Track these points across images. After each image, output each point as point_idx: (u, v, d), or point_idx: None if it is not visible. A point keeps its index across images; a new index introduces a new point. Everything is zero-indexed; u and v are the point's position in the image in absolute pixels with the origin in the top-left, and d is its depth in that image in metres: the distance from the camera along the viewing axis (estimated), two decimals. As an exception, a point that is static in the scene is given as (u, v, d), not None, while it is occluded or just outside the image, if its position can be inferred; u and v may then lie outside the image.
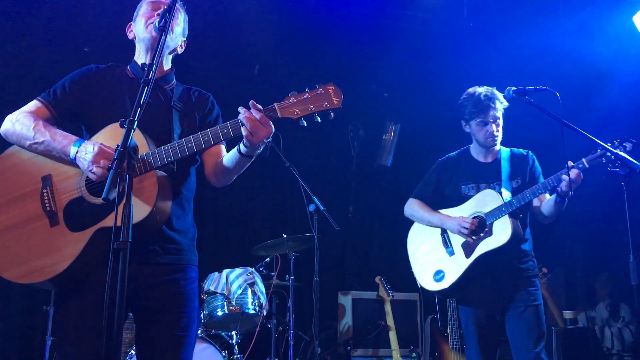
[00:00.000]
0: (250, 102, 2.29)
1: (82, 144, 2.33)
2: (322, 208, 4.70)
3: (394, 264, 6.94)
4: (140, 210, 2.22)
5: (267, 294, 5.03)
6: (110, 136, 2.36)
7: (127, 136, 1.94)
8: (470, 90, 3.86)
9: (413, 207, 4.02)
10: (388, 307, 5.61)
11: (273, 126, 2.29)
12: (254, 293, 4.84)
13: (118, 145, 1.94)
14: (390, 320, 5.54)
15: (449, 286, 3.75)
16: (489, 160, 3.88)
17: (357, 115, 7.24)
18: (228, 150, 2.55)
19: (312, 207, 4.80)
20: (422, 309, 6.13)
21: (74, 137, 2.39)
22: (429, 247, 3.94)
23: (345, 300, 6.08)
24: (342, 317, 6.06)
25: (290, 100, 2.30)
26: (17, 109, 2.56)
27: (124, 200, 1.86)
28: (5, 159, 2.51)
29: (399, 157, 7.56)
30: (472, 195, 3.81)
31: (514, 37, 6.06)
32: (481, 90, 3.80)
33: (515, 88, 3.48)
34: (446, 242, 3.85)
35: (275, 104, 2.30)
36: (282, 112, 2.29)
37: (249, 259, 5.46)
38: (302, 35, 6.15)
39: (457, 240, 3.80)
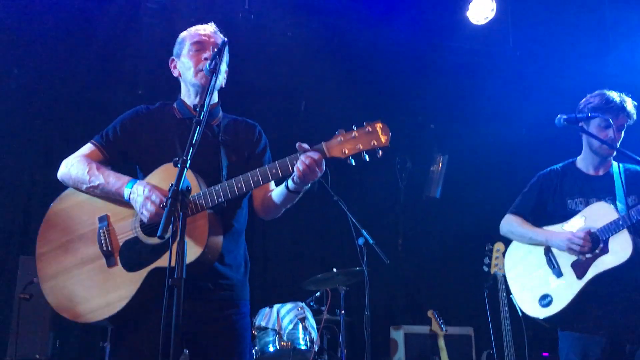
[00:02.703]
0: (298, 145, 2.31)
1: (135, 184, 2.40)
2: (371, 241, 4.67)
3: (446, 297, 6.82)
4: (192, 251, 2.25)
5: (318, 329, 4.99)
6: (163, 177, 2.42)
7: (180, 175, 1.99)
8: (599, 91, 3.50)
9: (512, 224, 3.60)
10: (442, 342, 5.48)
11: (324, 166, 2.30)
12: (304, 328, 4.82)
13: (172, 184, 2.00)
14: (444, 356, 5.40)
15: (559, 311, 3.28)
16: (600, 173, 3.49)
17: (404, 147, 7.23)
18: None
19: (361, 241, 4.77)
20: (477, 344, 5.96)
21: (127, 178, 2.46)
22: (530, 268, 3.51)
23: (398, 335, 5.98)
24: (395, 353, 5.95)
25: (338, 139, 2.29)
26: (72, 151, 2.65)
27: (177, 240, 1.90)
28: (64, 200, 2.60)
29: (448, 188, 7.48)
30: (580, 210, 3.42)
31: (561, 65, 5.98)
32: (614, 94, 3.45)
33: (566, 116, 3.29)
34: (552, 262, 3.41)
35: (323, 144, 2.31)
36: (330, 152, 2.29)
37: (299, 293, 5.45)
38: (348, 70, 6.23)
39: (565, 260, 3.37)
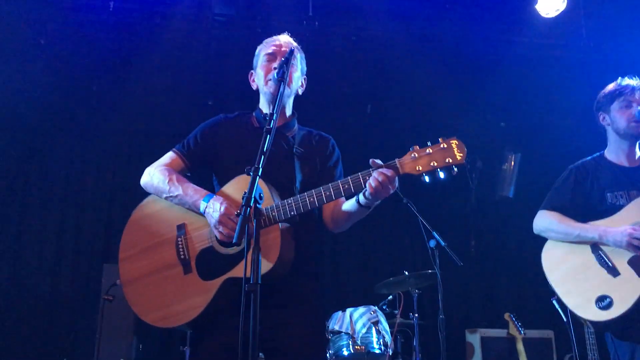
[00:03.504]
0: (371, 161, 2.30)
1: (211, 199, 2.47)
2: (442, 243, 4.61)
3: (523, 299, 6.63)
4: (265, 263, 2.29)
5: (391, 332, 4.97)
6: (238, 187, 2.48)
7: (252, 183, 2.04)
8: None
9: (551, 221, 3.36)
10: (520, 346, 5.33)
11: (397, 182, 2.29)
12: (378, 332, 4.80)
13: (245, 192, 2.05)
14: (523, 360, 5.25)
15: (622, 313, 3.03)
16: (635, 164, 3.34)
17: (473, 147, 7.05)
18: None
19: (432, 243, 4.72)
20: (558, 348, 5.75)
21: (204, 192, 2.53)
22: (578, 268, 3.24)
23: (473, 339, 5.86)
24: (471, 356, 5.83)
25: (412, 156, 2.27)
26: (153, 159, 2.77)
27: (252, 248, 1.95)
28: (145, 207, 2.71)
29: (522, 187, 7.27)
30: (623, 205, 3.22)
31: (638, 56, 5.69)
32: (627, 78, 3.37)
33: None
34: (604, 261, 3.17)
35: (396, 160, 2.29)
36: (403, 169, 2.27)
37: (371, 297, 5.44)
38: (413, 70, 6.16)
39: (619, 257, 3.12)
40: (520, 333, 5.37)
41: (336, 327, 4.84)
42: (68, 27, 5.56)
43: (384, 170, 2.25)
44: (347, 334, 4.78)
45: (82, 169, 6.64)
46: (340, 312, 4.93)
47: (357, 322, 4.83)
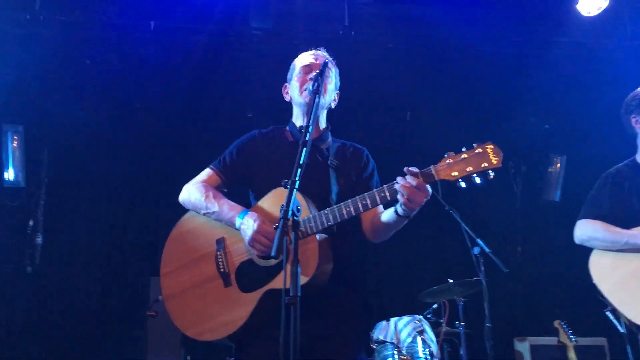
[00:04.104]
0: (406, 169, 2.30)
1: (246, 216, 2.51)
2: (487, 250, 4.54)
3: (573, 305, 6.44)
4: (303, 274, 2.30)
5: (437, 341, 4.90)
6: (275, 200, 2.52)
7: (289, 196, 2.07)
8: None
9: (594, 228, 3.33)
10: (572, 354, 5.18)
11: (430, 189, 2.28)
12: (424, 341, 4.75)
13: (283, 205, 2.07)
14: (576, 369, 5.10)
15: None
16: None
17: (517, 151, 6.96)
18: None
19: (476, 250, 4.65)
20: (612, 356, 5.57)
21: (240, 209, 2.59)
22: (630, 276, 3.17)
23: (523, 347, 5.73)
24: (520, 365, 5.71)
25: (447, 162, 2.27)
26: (191, 175, 2.83)
27: (290, 260, 1.97)
28: (184, 223, 2.78)
29: (568, 190, 7.09)
30: None
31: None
32: None
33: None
34: None
35: (431, 167, 2.29)
36: (438, 175, 2.28)
37: (415, 306, 5.39)
38: (452, 75, 6.12)
39: None
40: (571, 341, 5.22)
41: (381, 337, 4.81)
42: (111, 47, 5.74)
43: (409, 178, 2.25)
44: (392, 343, 4.74)
45: (128, 185, 6.81)
46: (384, 322, 4.89)
47: (402, 331, 4.78)
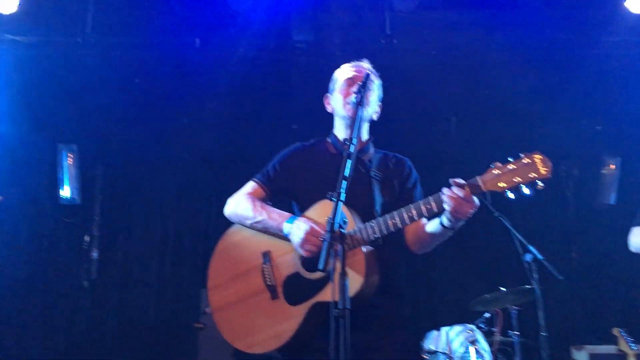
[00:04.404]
0: (451, 180, 2.29)
1: (295, 220, 2.53)
2: (539, 257, 4.45)
3: (632, 312, 6.23)
4: (351, 286, 2.29)
5: (491, 351, 4.81)
6: (320, 212, 2.53)
7: (335, 208, 2.07)
8: None
9: None
10: (633, 363, 4.99)
11: (477, 201, 2.25)
12: (477, 351, 4.66)
13: (329, 218, 2.08)
14: (638, 378, 4.91)
15: None
16: None
17: (568, 154, 6.79)
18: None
19: (528, 257, 4.55)
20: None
21: (287, 215, 2.61)
22: None
23: (581, 356, 5.56)
24: (579, 375, 5.53)
25: (494, 173, 2.24)
26: (235, 188, 2.88)
27: (338, 273, 1.97)
28: (230, 236, 2.82)
29: (624, 193, 6.85)
30: None
31: None
32: None
33: None
34: None
35: (477, 178, 2.27)
36: (485, 186, 2.25)
37: (466, 315, 5.30)
38: (498, 79, 6.01)
39: None
40: (632, 349, 5.02)
41: (432, 347, 4.75)
42: (158, 65, 5.90)
43: (455, 189, 2.23)
44: (444, 353, 4.67)
45: (178, 199, 6.96)
46: (435, 331, 4.83)
47: (454, 341, 4.71)
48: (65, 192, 6.54)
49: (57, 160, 6.48)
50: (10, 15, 5.20)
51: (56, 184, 6.51)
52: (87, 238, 6.67)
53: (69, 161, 6.52)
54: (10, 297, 6.31)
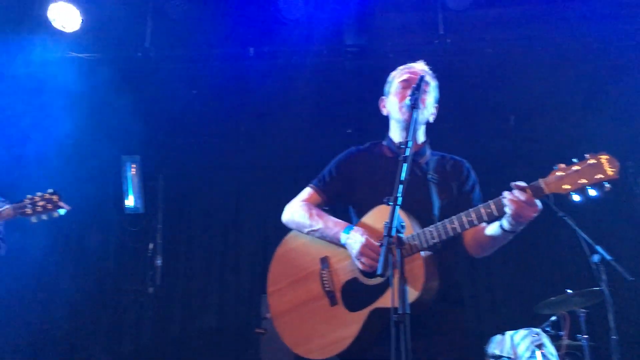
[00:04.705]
0: (513, 184, 2.23)
1: (351, 231, 2.52)
2: (608, 258, 4.27)
3: None
4: (410, 292, 2.26)
5: (558, 356, 4.65)
6: (378, 217, 2.52)
7: (393, 213, 2.05)
8: None
9: None
10: None
11: (540, 204, 2.19)
12: (544, 356, 4.52)
13: (386, 222, 2.06)
14: None
15: None
16: None
17: (636, 150, 6.51)
18: None
19: (596, 258, 4.39)
20: None
21: (344, 224, 2.60)
22: None
23: (655, 361, 5.30)
24: (654, 381, 5.28)
25: (557, 175, 2.18)
26: (292, 194, 2.89)
27: (397, 278, 1.96)
28: (288, 242, 2.84)
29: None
30: None
31: None
32: None
33: None
34: None
35: (540, 180, 2.21)
36: (549, 188, 2.19)
37: (531, 318, 5.15)
38: (558, 76, 5.82)
39: None
40: None
41: (496, 352, 4.64)
42: (215, 76, 6.02)
43: (517, 192, 2.17)
44: (509, 358, 4.56)
45: (237, 206, 7.07)
46: (499, 336, 4.72)
47: (519, 345, 4.59)
48: (130, 201, 6.76)
49: (121, 172, 6.71)
50: (74, 33, 5.44)
51: (121, 194, 6.73)
52: (151, 246, 6.86)
53: (132, 172, 6.73)
54: (80, 304, 6.58)
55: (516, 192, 2.18)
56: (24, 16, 5.43)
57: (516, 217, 2.19)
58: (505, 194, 2.21)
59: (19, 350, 6.21)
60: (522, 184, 2.21)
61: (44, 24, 5.37)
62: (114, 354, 6.55)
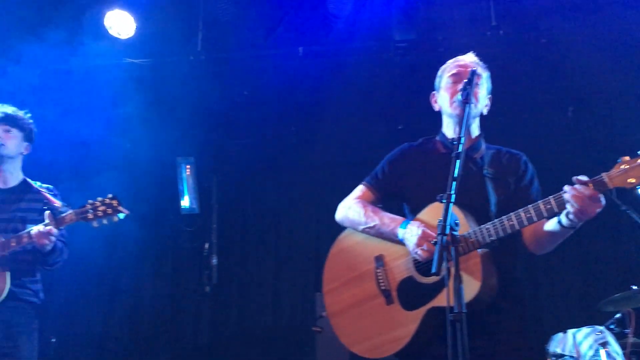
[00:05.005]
0: (574, 178, 2.16)
1: (408, 225, 2.49)
2: (676, 252, 4.08)
3: None
4: (468, 290, 2.23)
5: (624, 354, 4.49)
6: (433, 214, 2.48)
7: (446, 211, 2.02)
8: None
9: None
10: None
11: (604, 200, 2.11)
12: (608, 354, 4.37)
13: (440, 220, 2.03)
14: None
15: None
16: None
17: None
18: None
19: (665, 253, 4.20)
20: None
21: (400, 219, 2.58)
22: None
23: None
24: None
25: (622, 168, 2.09)
26: (345, 192, 2.88)
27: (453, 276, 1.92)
28: (343, 241, 2.83)
29: None
30: None
31: None
32: None
33: None
34: None
35: (603, 175, 2.13)
36: (613, 183, 2.11)
37: (594, 316, 4.99)
38: (619, 66, 5.59)
39: None
40: None
41: (558, 350, 4.51)
42: (265, 77, 6.09)
43: (580, 187, 2.08)
44: (571, 357, 4.43)
45: (291, 204, 7.11)
46: (561, 334, 4.58)
47: (582, 343, 4.45)
48: (185, 202, 6.90)
49: (176, 173, 6.86)
50: (128, 39, 5.59)
51: (177, 195, 6.88)
52: (206, 245, 6.98)
53: (187, 173, 6.87)
54: (139, 305, 6.77)
55: (578, 187, 2.10)
56: (81, 23, 5.62)
57: (579, 213, 2.12)
58: (567, 188, 2.13)
59: (81, 351, 6.44)
60: (584, 178, 2.12)
61: (101, 32, 5.54)
62: (174, 354, 6.70)
